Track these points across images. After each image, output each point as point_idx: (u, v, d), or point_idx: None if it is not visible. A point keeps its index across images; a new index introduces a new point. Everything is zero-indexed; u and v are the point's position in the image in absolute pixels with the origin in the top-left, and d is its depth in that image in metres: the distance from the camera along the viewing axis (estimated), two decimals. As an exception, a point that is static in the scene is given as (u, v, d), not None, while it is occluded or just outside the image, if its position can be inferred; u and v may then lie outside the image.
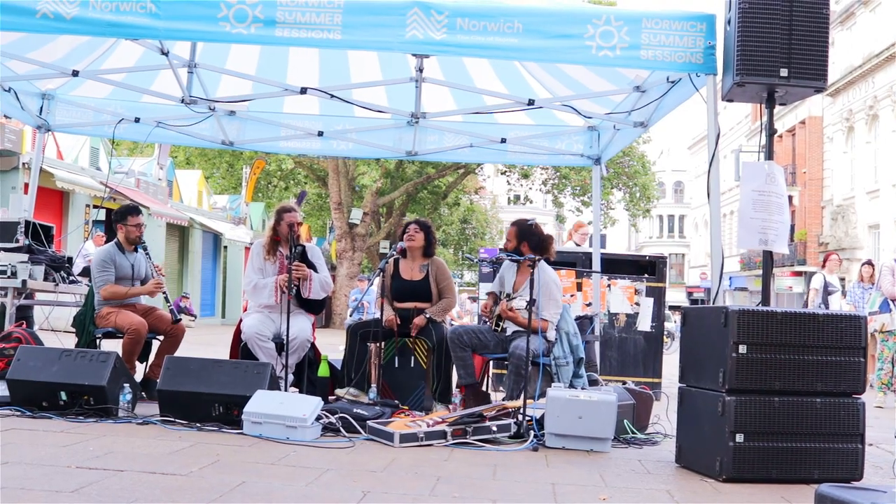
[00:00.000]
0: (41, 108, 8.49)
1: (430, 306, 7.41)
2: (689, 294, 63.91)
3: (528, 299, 6.37)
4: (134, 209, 7.85)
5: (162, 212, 26.91)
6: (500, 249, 7.25)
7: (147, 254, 7.75)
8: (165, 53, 7.19)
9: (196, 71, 7.74)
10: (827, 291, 13.29)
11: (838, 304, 13.21)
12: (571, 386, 6.60)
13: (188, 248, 31.66)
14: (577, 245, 11.43)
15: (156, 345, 7.63)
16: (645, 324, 10.48)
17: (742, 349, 4.92)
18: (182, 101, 7.86)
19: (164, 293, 7.60)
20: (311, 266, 7.34)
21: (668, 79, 6.63)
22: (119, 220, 7.65)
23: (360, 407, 6.35)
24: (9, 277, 7.60)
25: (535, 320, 6.57)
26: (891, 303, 11.00)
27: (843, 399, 5.04)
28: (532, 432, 5.91)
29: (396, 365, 7.41)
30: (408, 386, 7.40)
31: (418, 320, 7.26)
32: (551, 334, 6.97)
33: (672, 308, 31.25)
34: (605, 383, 7.51)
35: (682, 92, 6.49)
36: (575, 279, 10.29)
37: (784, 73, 5.37)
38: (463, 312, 25.54)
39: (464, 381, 7.00)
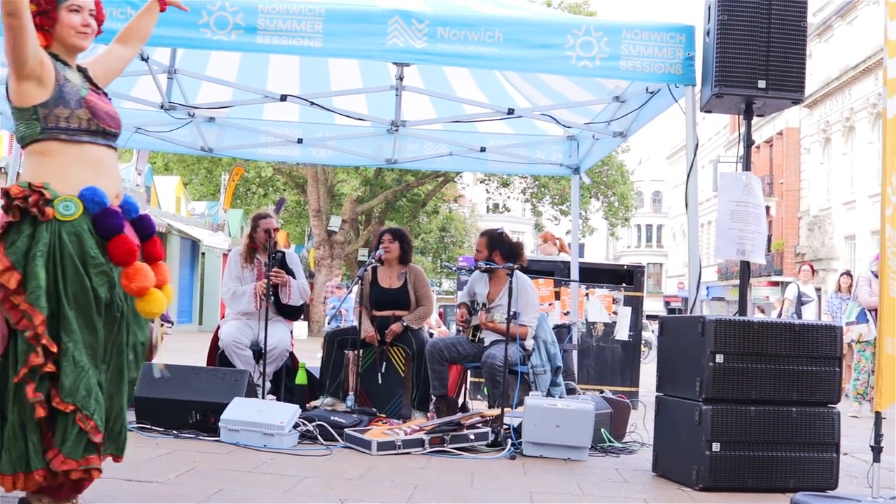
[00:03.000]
0: (18, 112, 8.42)
1: (409, 314, 7.41)
2: (667, 303, 64.12)
3: (506, 312, 6.40)
4: None
5: (139, 218, 26.73)
6: (475, 260, 7.24)
7: None
8: (145, 59, 7.16)
9: (176, 77, 7.71)
10: (801, 301, 13.38)
11: (812, 315, 13.29)
12: (549, 395, 6.61)
13: (166, 255, 31.46)
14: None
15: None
16: (623, 333, 10.51)
17: (719, 358, 4.95)
18: (161, 106, 7.84)
19: None
20: (290, 272, 7.32)
21: (647, 89, 6.66)
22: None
23: (338, 415, 6.34)
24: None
25: (515, 327, 6.59)
26: (868, 313, 11.07)
27: (819, 408, 5.08)
28: (509, 441, 5.92)
29: (375, 374, 7.40)
30: (386, 394, 7.40)
31: (395, 327, 7.26)
32: (529, 342, 6.98)
33: (650, 317, 31.37)
34: (583, 392, 7.53)
35: (660, 102, 6.53)
36: (553, 288, 10.32)
37: (762, 84, 5.40)
38: (442, 321, 25.50)
39: (437, 392, 7.03)
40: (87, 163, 3.44)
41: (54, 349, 3.20)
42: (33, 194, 3.28)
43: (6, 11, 3.24)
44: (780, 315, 15.08)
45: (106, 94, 3.67)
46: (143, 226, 3.61)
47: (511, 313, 6.40)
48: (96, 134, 3.47)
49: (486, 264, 6.99)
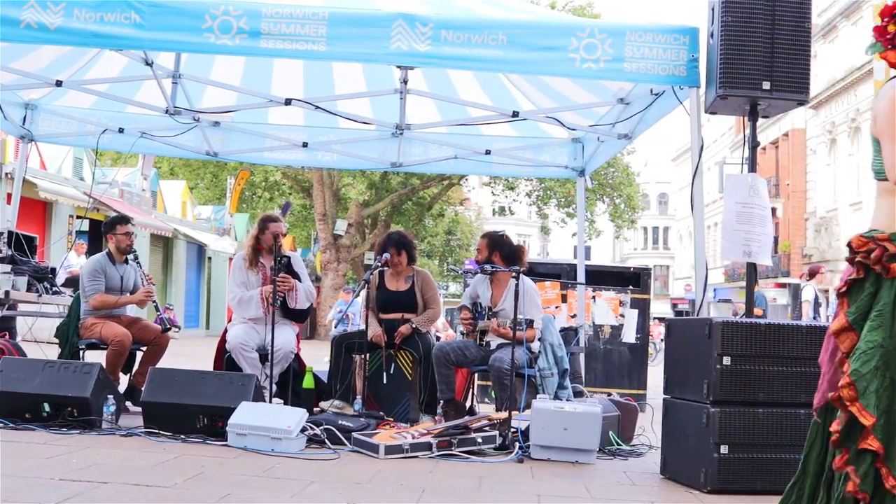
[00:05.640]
0: (24, 117, 8.46)
1: (416, 316, 7.41)
2: (674, 305, 63.96)
3: (510, 315, 6.40)
4: (122, 219, 7.84)
5: (146, 222, 26.79)
6: (476, 262, 7.26)
7: (138, 262, 7.74)
8: (150, 64, 7.17)
9: (180, 81, 7.72)
10: (818, 303, 13.43)
11: (824, 316, 13.32)
12: (556, 398, 6.61)
13: (172, 259, 31.55)
14: None
15: (139, 354, 7.59)
16: (629, 335, 10.50)
17: (726, 361, 4.93)
18: (166, 111, 7.84)
19: (153, 302, 7.60)
20: (295, 276, 7.31)
21: (651, 91, 6.66)
22: (108, 230, 7.63)
23: (345, 418, 6.34)
24: (-9, 288, 7.57)
25: (523, 333, 6.60)
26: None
27: (827, 410, 5.06)
28: (517, 444, 5.91)
29: (382, 377, 7.39)
30: (393, 397, 7.38)
31: (403, 329, 7.25)
32: (535, 345, 6.98)
33: (657, 319, 31.27)
34: (590, 395, 7.52)
35: (665, 104, 6.52)
36: (560, 291, 10.31)
37: (766, 85, 5.39)
38: (448, 325, 25.49)
39: (444, 396, 7.04)
40: None
41: (868, 421, 2.87)
42: (876, 248, 2.96)
43: None
44: (799, 317, 15.10)
45: None
46: None
47: (524, 320, 6.41)
48: None
49: (492, 267, 6.99)
